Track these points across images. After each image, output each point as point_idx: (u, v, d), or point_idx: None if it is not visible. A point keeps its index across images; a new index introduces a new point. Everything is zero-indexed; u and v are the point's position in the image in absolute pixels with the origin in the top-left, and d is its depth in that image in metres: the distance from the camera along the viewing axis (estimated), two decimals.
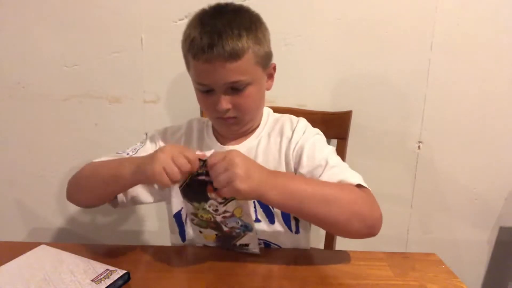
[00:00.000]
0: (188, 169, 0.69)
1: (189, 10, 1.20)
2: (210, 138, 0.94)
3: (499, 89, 1.27)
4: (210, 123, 0.96)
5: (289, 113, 0.98)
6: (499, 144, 1.30)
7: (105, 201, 0.85)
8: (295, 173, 0.87)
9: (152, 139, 0.94)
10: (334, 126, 1.14)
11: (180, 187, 0.73)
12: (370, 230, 0.76)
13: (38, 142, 1.31)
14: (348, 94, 1.26)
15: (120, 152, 0.91)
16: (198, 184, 0.71)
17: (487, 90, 1.27)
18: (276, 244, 0.89)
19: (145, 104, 1.29)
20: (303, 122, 0.93)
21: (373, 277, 0.75)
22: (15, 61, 1.26)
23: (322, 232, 1.17)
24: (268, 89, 0.90)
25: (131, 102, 1.28)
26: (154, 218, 1.38)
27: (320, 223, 0.77)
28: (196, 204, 0.74)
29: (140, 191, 0.89)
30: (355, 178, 0.79)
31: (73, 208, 1.36)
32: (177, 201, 0.90)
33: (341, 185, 0.78)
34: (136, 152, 0.90)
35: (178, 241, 0.92)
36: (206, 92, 0.83)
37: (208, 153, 0.71)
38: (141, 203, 0.91)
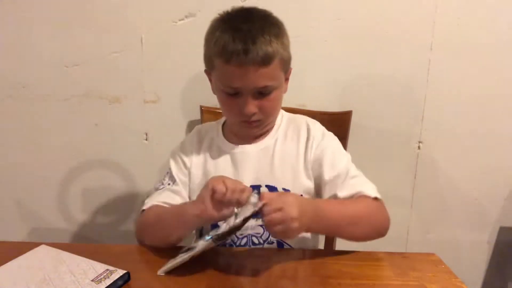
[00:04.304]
0: (237, 188, 0.71)
1: (189, 10, 1.21)
2: (220, 139, 0.96)
3: (499, 89, 1.27)
4: (220, 127, 0.98)
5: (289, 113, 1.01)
6: (499, 144, 1.30)
7: (175, 243, 0.84)
8: (312, 172, 0.91)
9: (174, 158, 0.97)
10: (334, 126, 1.14)
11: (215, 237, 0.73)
12: (380, 236, 0.86)
13: (38, 142, 1.31)
14: (348, 94, 1.26)
15: (159, 186, 0.93)
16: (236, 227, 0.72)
17: (487, 90, 1.27)
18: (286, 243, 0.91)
19: (145, 104, 1.28)
20: (318, 124, 0.97)
21: (373, 277, 0.75)
22: (15, 61, 1.26)
23: None
24: (284, 92, 0.92)
25: (131, 102, 1.28)
26: None
27: (344, 238, 0.85)
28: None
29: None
30: (372, 190, 0.86)
31: (73, 208, 1.36)
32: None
33: (363, 202, 0.85)
34: (172, 180, 0.93)
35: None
36: (232, 95, 0.85)
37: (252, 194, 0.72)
38: None
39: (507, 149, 1.31)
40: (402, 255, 0.84)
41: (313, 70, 1.25)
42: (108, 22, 1.23)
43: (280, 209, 0.69)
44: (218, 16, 0.87)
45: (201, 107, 1.21)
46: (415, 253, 0.84)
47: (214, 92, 0.92)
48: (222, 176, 0.75)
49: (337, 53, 1.24)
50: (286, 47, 0.87)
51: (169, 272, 0.74)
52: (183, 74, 1.26)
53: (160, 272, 0.74)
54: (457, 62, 1.25)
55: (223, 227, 0.71)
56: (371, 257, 0.81)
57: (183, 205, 0.86)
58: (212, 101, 1.22)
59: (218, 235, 0.71)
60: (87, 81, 1.27)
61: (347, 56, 1.24)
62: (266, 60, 0.81)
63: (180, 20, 1.22)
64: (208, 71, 0.91)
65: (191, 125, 1.26)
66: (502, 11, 1.21)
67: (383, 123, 1.29)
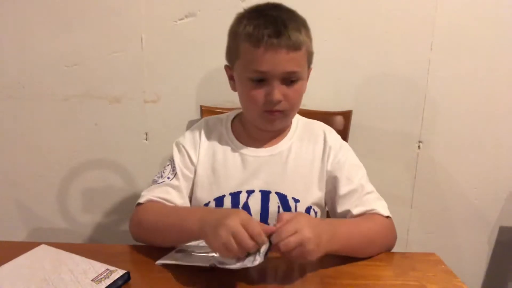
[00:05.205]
0: (251, 247, 0.66)
1: (189, 10, 1.22)
2: (230, 136, 0.94)
3: (499, 89, 1.27)
4: (229, 123, 0.96)
5: None
6: (499, 144, 1.31)
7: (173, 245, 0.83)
8: (326, 184, 0.90)
9: (179, 149, 0.94)
10: (334, 126, 1.14)
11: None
12: (387, 251, 0.85)
13: (38, 142, 1.31)
14: (348, 94, 1.27)
15: (158, 179, 0.90)
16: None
17: (487, 90, 1.27)
18: None
19: (145, 104, 1.28)
20: (334, 133, 0.96)
21: (373, 277, 0.75)
22: (15, 61, 1.26)
23: None
24: (303, 91, 0.91)
25: (131, 102, 1.28)
26: None
27: (355, 257, 0.80)
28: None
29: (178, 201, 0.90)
30: (384, 209, 0.86)
31: (73, 208, 1.36)
32: (201, 196, 0.91)
33: (377, 221, 0.84)
34: (174, 173, 0.90)
35: None
36: (258, 82, 0.83)
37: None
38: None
39: (507, 149, 1.31)
40: (402, 255, 0.84)
41: (313, 70, 1.25)
42: (108, 22, 1.23)
43: (294, 232, 0.67)
44: (242, 11, 0.87)
45: (201, 107, 1.21)
46: (415, 253, 0.84)
47: (233, 89, 0.91)
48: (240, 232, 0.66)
49: (337, 53, 1.24)
50: (311, 39, 0.87)
51: (168, 272, 0.74)
52: (183, 74, 1.26)
53: (159, 262, 0.74)
54: (457, 62, 1.25)
55: (232, 265, 0.68)
56: (371, 257, 0.81)
57: (189, 222, 0.77)
58: (212, 101, 1.23)
59: (221, 267, 0.70)
60: (87, 81, 1.27)
61: (347, 56, 1.25)
62: (296, 45, 0.80)
63: (180, 20, 1.22)
64: (229, 66, 0.90)
65: (191, 125, 1.26)
66: (502, 11, 1.21)
67: (383, 123, 1.29)
